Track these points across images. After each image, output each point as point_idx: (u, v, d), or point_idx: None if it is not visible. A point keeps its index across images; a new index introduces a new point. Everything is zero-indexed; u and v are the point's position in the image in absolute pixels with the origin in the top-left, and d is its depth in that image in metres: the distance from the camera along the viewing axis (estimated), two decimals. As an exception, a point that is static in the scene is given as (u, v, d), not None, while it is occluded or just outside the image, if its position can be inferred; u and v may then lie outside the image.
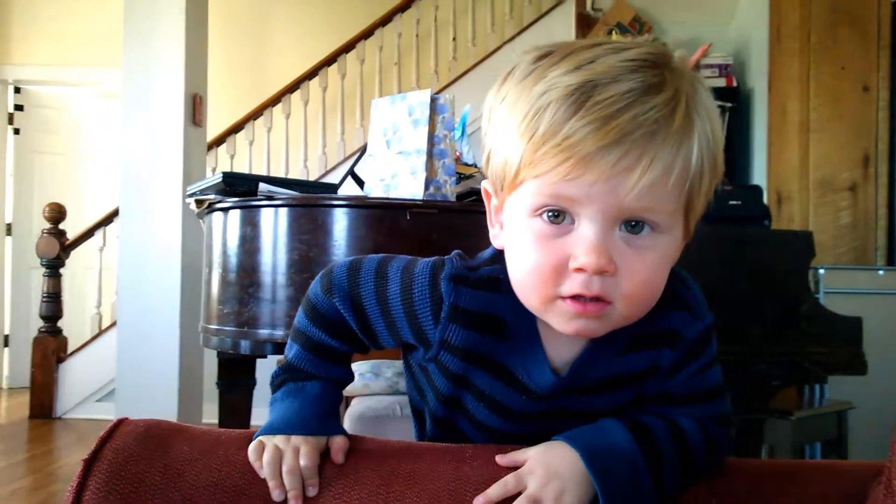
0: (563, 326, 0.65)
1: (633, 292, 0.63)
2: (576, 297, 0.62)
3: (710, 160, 0.64)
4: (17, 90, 5.69)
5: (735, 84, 4.27)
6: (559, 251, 0.62)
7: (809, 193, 3.52)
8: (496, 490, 0.65)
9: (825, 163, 3.51)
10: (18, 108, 5.69)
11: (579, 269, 0.61)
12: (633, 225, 0.62)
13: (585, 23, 4.68)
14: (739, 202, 2.47)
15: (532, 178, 0.62)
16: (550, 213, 0.63)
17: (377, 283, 0.74)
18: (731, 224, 2.33)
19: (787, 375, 2.16)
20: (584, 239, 0.61)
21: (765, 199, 2.95)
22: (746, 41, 4.40)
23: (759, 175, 4.04)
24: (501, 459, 0.68)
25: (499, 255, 0.71)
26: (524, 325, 0.70)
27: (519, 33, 4.85)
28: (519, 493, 0.64)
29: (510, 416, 0.75)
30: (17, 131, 5.69)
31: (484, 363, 0.73)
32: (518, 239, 0.66)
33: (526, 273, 0.65)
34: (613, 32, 4.49)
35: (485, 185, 0.72)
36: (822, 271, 2.98)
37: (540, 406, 0.73)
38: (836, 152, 3.50)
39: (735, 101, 4.21)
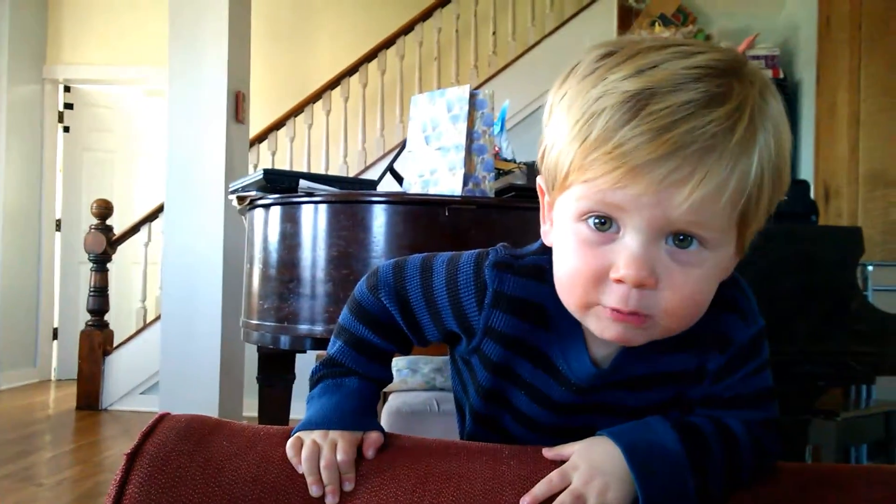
0: (602, 332, 0.64)
1: (673, 308, 0.61)
2: (614, 309, 0.62)
3: (772, 175, 0.62)
4: (67, 89, 5.83)
5: (782, 75, 4.17)
6: (601, 259, 0.61)
7: (859, 188, 3.42)
8: (541, 488, 0.64)
9: (875, 156, 3.41)
10: (68, 106, 5.83)
11: (619, 280, 0.60)
12: (682, 239, 0.61)
13: (628, 14, 4.60)
14: (785, 197, 2.41)
15: (580, 183, 0.61)
16: (596, 220, 0.62)
17: (423, 277, 0.75)
18: (777, 220, 2.28)
19: (834, 375, 2.10)
20: (627, 249, 0.60)
21: (812, 195, 2.88)
22: (794, 31, 4.29)
23: (806, 169, 3.94)
24: (548, 452, 0.68)
25: (547, 247, 0.71)
26: (566, 316, 0.69)
27: (560, 27, 4.79)
28: (564, 490, 0.64)
29: (552, 407, 0.74)
30: (66, 129, 5.83)
31: (526, 352, 0.73)
32: (563, 241, 0.65)
33: (566, 277, 0.65)
34: (656, 24, 4.42)
35: (539, 182, 0.71)
36: (870, 268, 2.89)
37: (580, 399, 0.73)
38: (887, 145, 3.40)
39: (782, 92, 4.06)
